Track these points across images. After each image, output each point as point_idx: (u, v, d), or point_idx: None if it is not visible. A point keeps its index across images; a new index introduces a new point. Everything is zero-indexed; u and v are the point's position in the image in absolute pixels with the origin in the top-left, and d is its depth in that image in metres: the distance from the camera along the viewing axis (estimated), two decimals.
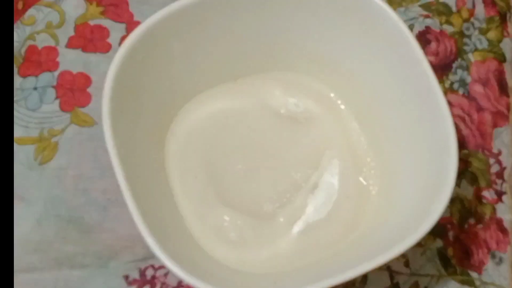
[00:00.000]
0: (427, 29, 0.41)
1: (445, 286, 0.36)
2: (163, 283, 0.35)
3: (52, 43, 0.39)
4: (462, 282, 0.37)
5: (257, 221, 0.35)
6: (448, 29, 0.41)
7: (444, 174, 0.29)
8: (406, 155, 0.33)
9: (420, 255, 0.37)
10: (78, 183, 0.36)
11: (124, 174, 0.28)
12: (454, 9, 0.42)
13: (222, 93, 0.37)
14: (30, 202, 0.36)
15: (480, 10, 0.42)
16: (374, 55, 0.33)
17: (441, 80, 0.40)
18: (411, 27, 0.41)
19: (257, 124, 0.37)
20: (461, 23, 0.42)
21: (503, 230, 0.38)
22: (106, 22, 0.40)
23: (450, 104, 0.33)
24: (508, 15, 0.42)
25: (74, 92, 0.38)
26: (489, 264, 0.37)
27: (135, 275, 0.35)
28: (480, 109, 0.40)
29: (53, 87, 0.38)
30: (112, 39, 0.39)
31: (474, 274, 0.37)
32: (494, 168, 0.39)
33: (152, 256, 0.29)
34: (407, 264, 0.36)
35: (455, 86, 0.40)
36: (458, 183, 0.38)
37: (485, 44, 0.41)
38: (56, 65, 0.39)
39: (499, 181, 0.39)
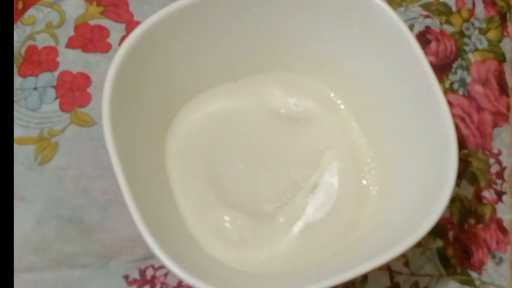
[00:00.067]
0: (427, 29, 0.41)
1: (445, 286, 0.36)
2: (163, 283, 0.35)
3: (52, 43, 0.39)
4: (462, 282, 0.37)
5: (257, 221, 0.35)
6: (448, 29, 0.41)
7: (444, 174, 0.29)
8: (406, 155, 0.33)
9: (420, 255, 0.37)
10: (78, 183, 0.36)
11: (124, 174, 0.28)
12: (454, 9, 0.42)
13: (222, 93, 0.37)
14: (30, 202, 0.36)
15: (480, 10, 0.42)
16: (374, 55, 0.33)
17: (441, 80, 0.40)
18: (411, 27, 0.41)
19: (257, 124, 0.37)
20: (461, 23, 0.42)
21: (503, 230, 0.38)
22: (106, 22, 0.40)
23: (450, 104, 0.33)
24: (508, 15, 0.42)
25: (74, 92, 0.38)
26: (489, 264, 0.37)
27: (135, 275, 0.35)
28: (480, 109, 0.40)
29: (53, 87, 0.38)
30: (112, 39, 0.39)
31: (474, 274, 0.37)
32: (494, 168, 0.39)
33: (152, 256, 0.29)
34: (407, 264, 0.36)
35: (455, 86, 0.40)
36: (458, 183, 0.38)
37: (485, 44, 0.41)
38: (56, 65, 0.39)
39: (499, 181, 0.39)
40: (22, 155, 0.36)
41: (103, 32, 0.40)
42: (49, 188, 0.36)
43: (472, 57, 0.41)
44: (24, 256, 0.35)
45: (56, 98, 0.38)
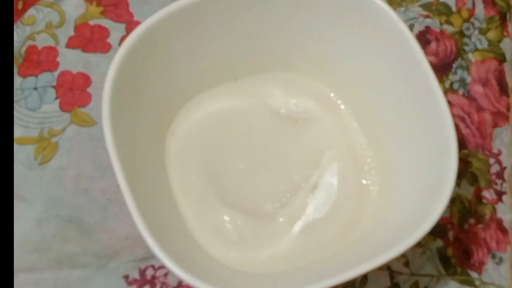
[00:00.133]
0: (427, 29, 0.41)
1: (445, 286, 0.36)
2: (163, 283, 0.35)
3: (52, 43, 0.39)
4: (462, 282, 0.37)
5: (257, 221, 0.35)
6: (448, 29, 0.41)
7: (444, 174, 0.29)
8: (406, 155, 0.33)
9: (420, 255, 0.37)
10: (78, 183, 0.36)
11: (124, 174, 0.28)
12: (454, 9, 0.42)
13: (222, 93, 0.37)
14: (30, 202, 0.36)
15: (480, 10, 0.42)
16: (374, 55, 0.33)
17: (441, 80, 0.40)
18: (411, 27, 0.41)
19: (257, 124, 0.37)
20: (461, 23, 0.42)
21: (503, 230, 0.38)
22: (106, 22, 0.40)
23: (450, 104, 0.33)
24: (508, 15, 0.42)
25: (74, 92, 0.38)
26: (489, 264, 0.37)
27: (135, 275, 0.35)
28: (480, 109, 0.40)
29: (53, 87, 0.38)
30: (112, 39, 0.39)
31: (474, 274, 0.37)
32: (494, 168, 0.39)
33: (152, 256, 0.29)
34: (407, 264, 0.36)
35: (455, 86, 0.40)
36: (458, 183, 0.38)
37: (485, 44, 0.41)
38: (56, 65, 0.39)
39: (499, 181, 0.39)
40: (22, 155, 0.36)
41: (103, 32, 0.40)
42: (49, 188, 0.36)
43: (472, 57, 0.41)
44: (24, 256, 0.35)
45: (56, 98, 0.38)
